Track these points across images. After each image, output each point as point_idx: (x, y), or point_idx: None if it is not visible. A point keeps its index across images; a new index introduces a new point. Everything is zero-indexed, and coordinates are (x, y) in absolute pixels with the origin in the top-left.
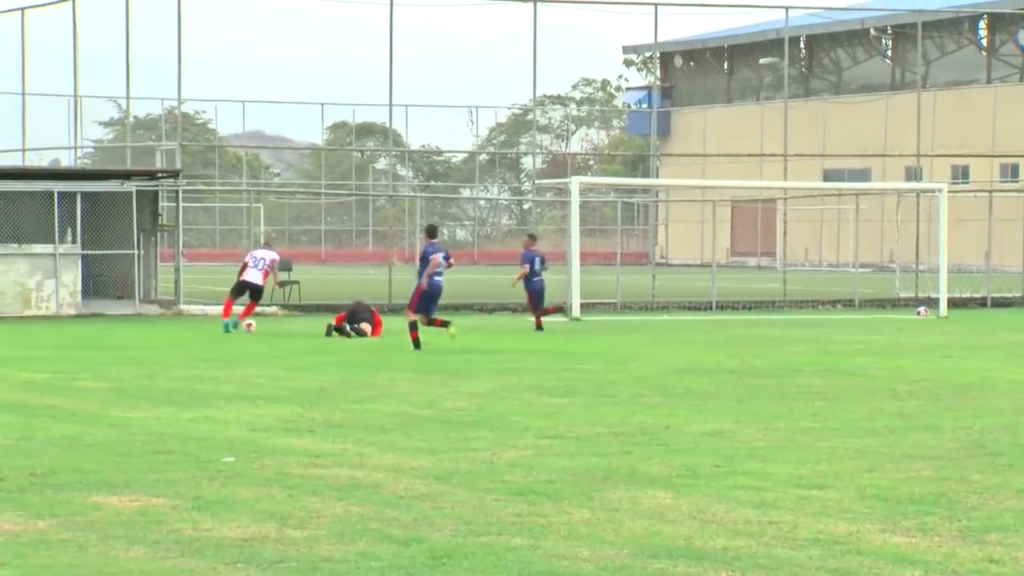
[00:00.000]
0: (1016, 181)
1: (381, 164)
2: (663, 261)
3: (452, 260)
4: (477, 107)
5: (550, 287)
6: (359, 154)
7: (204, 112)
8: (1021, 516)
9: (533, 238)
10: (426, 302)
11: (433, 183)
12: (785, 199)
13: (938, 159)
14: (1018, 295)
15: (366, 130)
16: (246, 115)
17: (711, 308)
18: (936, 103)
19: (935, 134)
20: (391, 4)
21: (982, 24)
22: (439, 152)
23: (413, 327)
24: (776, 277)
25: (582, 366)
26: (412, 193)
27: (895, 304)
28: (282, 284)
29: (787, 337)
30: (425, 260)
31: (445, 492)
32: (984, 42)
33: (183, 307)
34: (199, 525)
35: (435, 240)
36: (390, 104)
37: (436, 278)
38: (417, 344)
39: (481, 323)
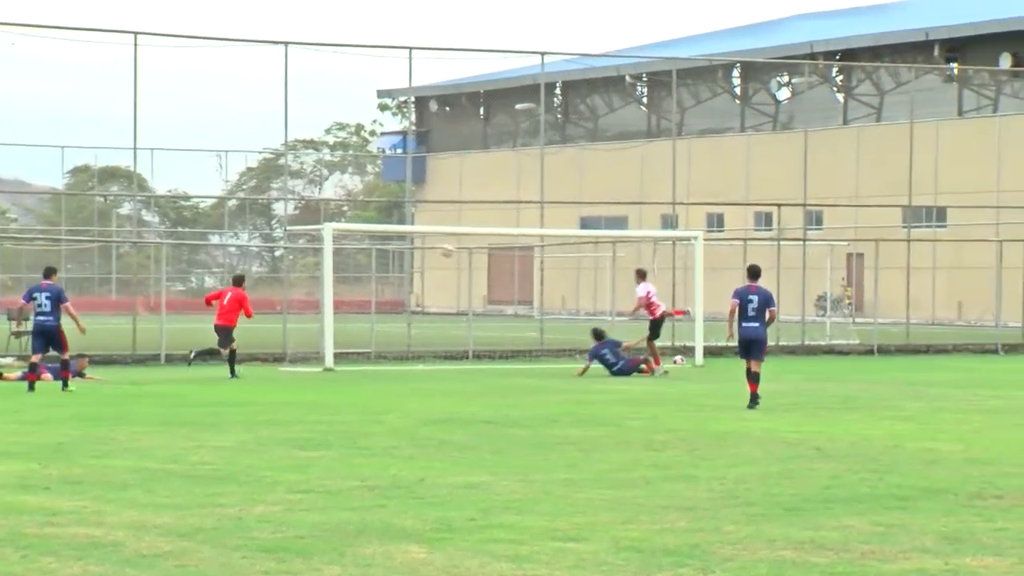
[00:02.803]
0: (770, 229)
1: (125, 209)
2: (419, 309)
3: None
4: (227, 151)
5: (299, 335)
6: (102, 199)
7: None
8: (774, 566)
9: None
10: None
11: (180, 229)
12: (542, 246)
13: (694, 207)
14: (772, 344)
15: (109, 174)
16: None
17: (468, 357)
18: (691, 151)
19: (691, 182)
20: (135, 43)
21: (736, 72)
22: (187, 197)
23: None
24: (533, 325)
25: (335, 417)
26: (158, 239)
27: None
28: (18, 334)
29: (544, 387)
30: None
31: (190, 550)
32: (738, 90)
33: None
34: None
35: (47, 280)
36: (134, 147)
37: (39, 318)
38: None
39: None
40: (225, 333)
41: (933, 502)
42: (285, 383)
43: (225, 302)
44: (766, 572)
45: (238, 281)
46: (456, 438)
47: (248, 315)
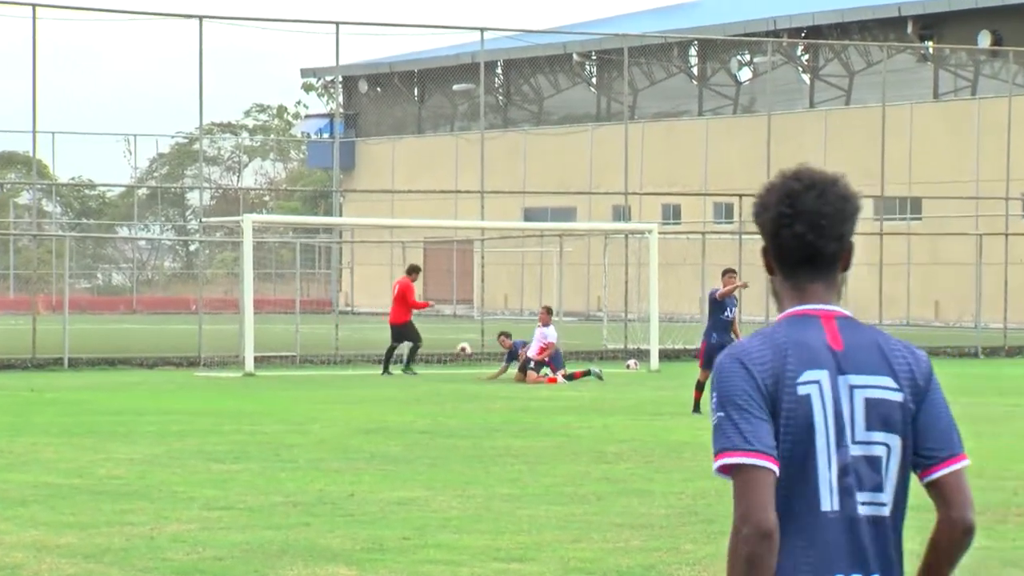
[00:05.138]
0: (730, 222)
1: (24, 199)
2: (348, 309)
3: None
4: (136, 135)
5: (216, 337)
6: None
7: None
8: None
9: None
10: None
11: (85, 221)
12: (483, 240)
13: (647, 197)
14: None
15: (6, 160)
16: None
17: (401, 361)
18: (645, 136)
19: (644, 170)
20: (34, 16)
21: (693, 51)
22: (92, 186)
23: None
24: (474, 327)
25: (256, 428)
26: (60, 232)
27: (603, 356)
28: None
29: (484, 393)
30: None
31: (96, 572)
32: (695, 70)
33: None
34: None
35: None
36: (34, 131)
37: None
38: None
39: (141, 379)
40: (395, 333)
41: (914, 519)
42: (201, 390)
43: (395, 295)
44: None
45: (410, 271)
46: (388, 449)
47: (415, 306)
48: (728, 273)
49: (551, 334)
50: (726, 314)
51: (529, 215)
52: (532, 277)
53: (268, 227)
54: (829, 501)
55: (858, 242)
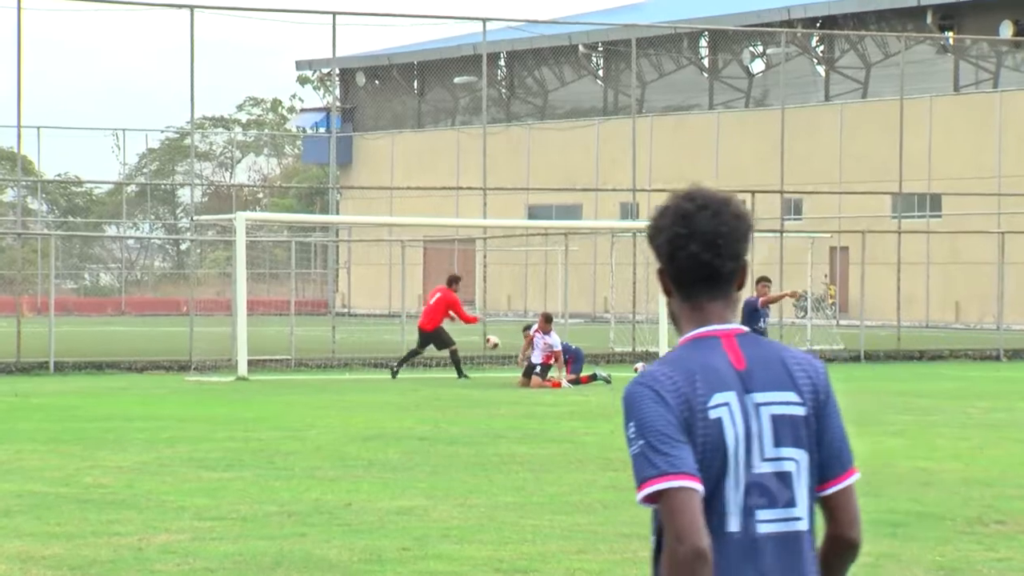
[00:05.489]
0: None
1: (8, 196)
2: (345, 310)
3: None
4: (124, 130)
5: (208, 339)
6: None
7: None
8: None
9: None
10: None
11: (72, 219)
12: (485, 239)
13: (656, 194)
14: None
15: None
16: None
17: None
18: (653, 130)
19: (653, 166)
20: (19, 6)
21: (703, 42)
22: (79, 182)
23: None
24: (475, 328)
25: (249, 434)
26: (46, 231)
27: (610, 359)
28: None
29: (487, 398)
30: None
31: None
32: (706, 62)
33: None
34: None
35: None
36: (19, 125)
37: None
38: None
39: (130, 384)
40: (423, 338)
41: (927, 529)
42: (192, 394)
43: (432, 303)
44: None
45: (450, 281)
46: (387, 457)
47: (466, 321)
48: (762, 281)
49: (555, 341)
50: (761, 324)
51: (533, 213)
52: (536, 277)
53: (262, 225)
54: (736, 522)
55: (875, 241)
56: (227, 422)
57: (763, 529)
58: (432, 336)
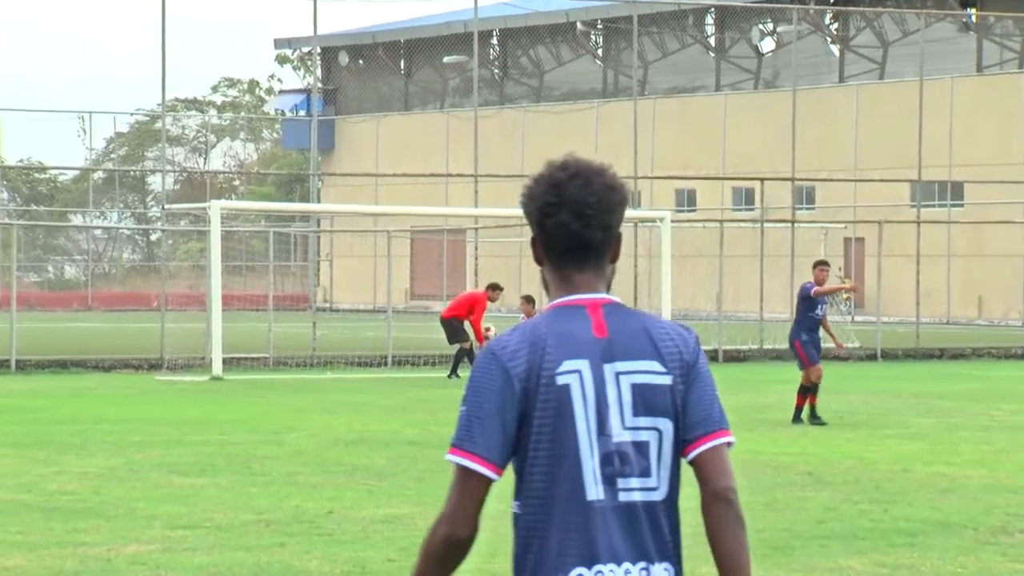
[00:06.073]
0: (752, 209)
1: None
2: (326, 306)
3: None
4: (91, 113)
5: (181, 336)
6: None
7: None
8: None
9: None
10: None
11: (34, 207)
12: (476, 229)
13: (659, 181)
14: (755, 347)
15: None
16: None
17: (386, 364)
18: (656, 113)
19: (655, 151)
20: None
21: (710, 19)
22: (42, 169)
23: None
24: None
25: (225, 437)
26: (7, 220)
27: None
28: None
29: None
30: None
31: None
32: (712, 41)
33: None
34: None
35: None
36: None
37: None
38: None
39: (97, 384)
40: (447, 328)
41: (948, 538)
42: (163, 395)
43: (461, 297)
44: None
45: (492, 288)
46: (372, 462)
47: (475, 329)
48: (820, 265)
49: None
50: (817, 311)
51: None
52: (530, 270)
53: (238, 214)
54: (595, 490)
55: (892, 232)
56: (201, 425)
57: (624, 498)
58: (445, 324)
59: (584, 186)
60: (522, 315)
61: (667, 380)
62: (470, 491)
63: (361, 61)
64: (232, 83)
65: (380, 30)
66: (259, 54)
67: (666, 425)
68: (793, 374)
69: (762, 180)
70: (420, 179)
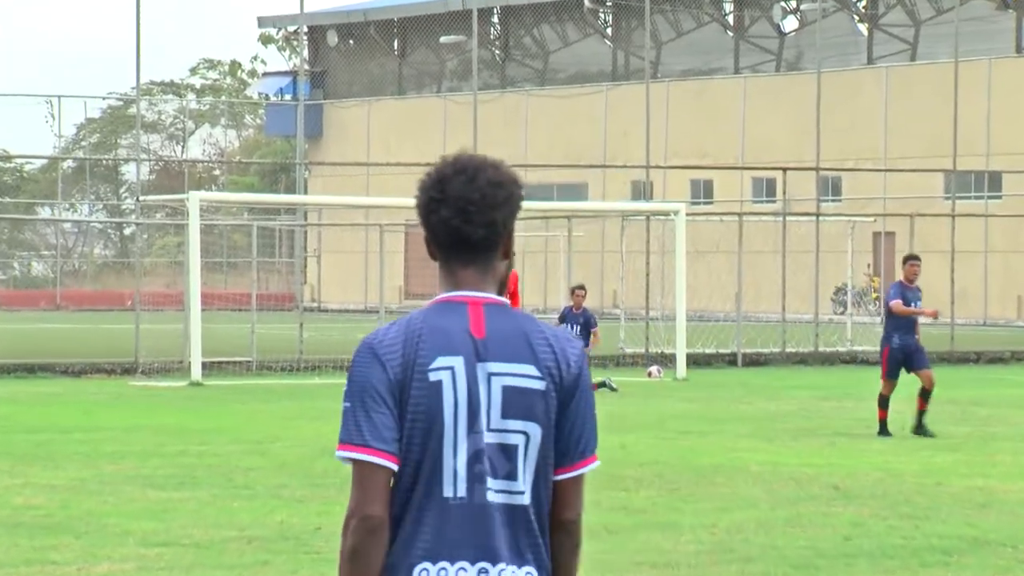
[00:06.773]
0: (772, 201)
1: None
2: (314, 305)
3: None
4: (60, 97)
5: (156, 338)
6: None
7: None
8: None
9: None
10: None
11: (0, 199)
12: None
13: (673, 171)
14: (776, 350)
15: None
16: None
17: None
18: (670, 98)
19: (669, 139)
20: None
21: None
22: (7, 157)
23: None
24: None
25: (204, 448)
26: None
27: (620, 362)
28: None
29: None
30: None
31: None
32: (731, 19)
33: None
34: None
35: None
36: None
37: None
38: None
39: (66, 390)
40: None
41: (984, 557)
42: (137, 402)
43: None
44: None
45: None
46: None
47: (512, 297)
48: (910, 260)
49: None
50: (915, 304)
51: (531, 193)
52: (535, 267)
53: (219, 207)
54: (452, 488)
55: (925, 226)
56: (179, 434)
57: (490, 498)
58: None
59: (468, 182)
60: (574, 309)
61: (540, 385)
62: (370, 481)
63: (351, 41)
64: (212, 65)
65: (372, 8)
66: (241, 33)
67: (535, 430)
68: (817, 380)
69: (784, 170)
70: (415, 168)
